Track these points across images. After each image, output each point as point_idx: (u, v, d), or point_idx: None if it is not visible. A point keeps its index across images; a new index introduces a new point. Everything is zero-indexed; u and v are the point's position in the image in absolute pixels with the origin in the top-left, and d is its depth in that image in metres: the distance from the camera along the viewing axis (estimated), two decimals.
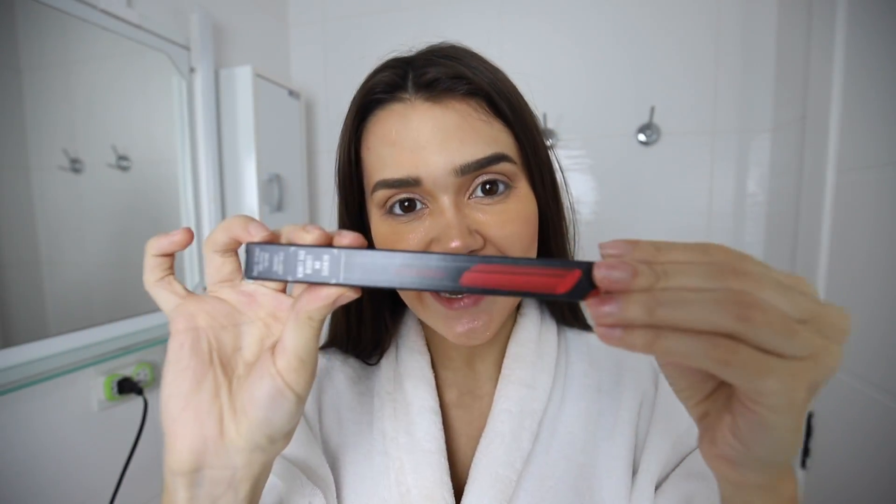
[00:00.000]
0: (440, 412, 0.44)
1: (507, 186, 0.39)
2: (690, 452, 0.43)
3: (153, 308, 1.02)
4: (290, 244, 0.26)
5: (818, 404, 0.89)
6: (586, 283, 0.22)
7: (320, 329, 0.27)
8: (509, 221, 0.39)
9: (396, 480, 0.42)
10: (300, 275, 0.25)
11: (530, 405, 0.43)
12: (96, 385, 0.89)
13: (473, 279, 0.23)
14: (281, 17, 1.48)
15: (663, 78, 1.23)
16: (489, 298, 0.39)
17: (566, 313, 0.51)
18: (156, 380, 1.01)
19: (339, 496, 0.43)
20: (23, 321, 0.80)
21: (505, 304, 0.41)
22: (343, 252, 0.25)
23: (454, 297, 0.39)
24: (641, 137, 1.24)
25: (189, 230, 0.29)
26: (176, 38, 1.06)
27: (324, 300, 0.25)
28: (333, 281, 0.25)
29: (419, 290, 0.25)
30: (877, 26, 0.77)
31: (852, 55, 0.83)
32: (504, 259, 0.24)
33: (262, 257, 0.26)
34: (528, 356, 0.46)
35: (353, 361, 0.50)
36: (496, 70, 0.41)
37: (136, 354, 0.97)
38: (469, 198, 0.39)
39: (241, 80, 1.16)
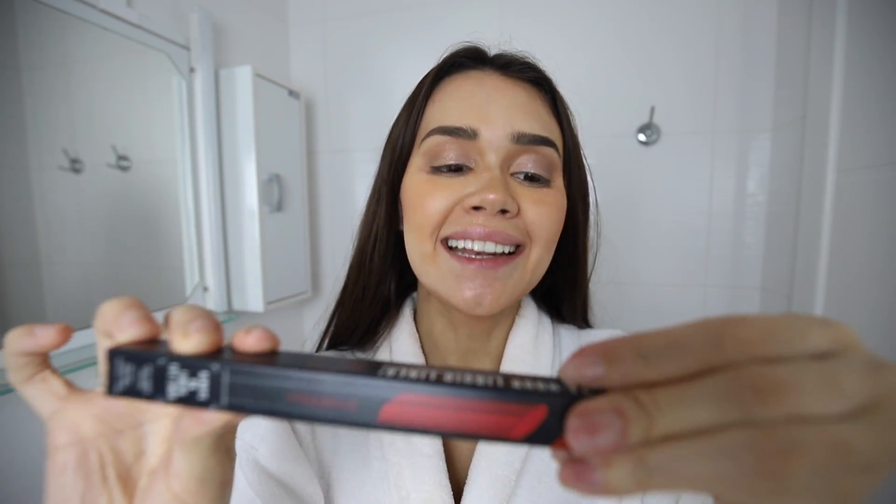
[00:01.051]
0: None
1: (547, 179, 0.41)
2: None
3: (152, 308, 1.02)
4: (164, 353, 0.20)
5: None
6: (555, 424, 0.16)
7: (219, 441, 0.23)
8: (543, 203, 0.40)
9: (396, 485, 0.41)
10: (171, 396, 0.19)
11: None
12: (96, 385, 0.89)
13: (397, 414, 0.17)
14: (281, 17, 1.48)
15: (663, 78, 1.23)
16: (507, 268, 0.39)
17: (564, 313, 0.51)
18: None
19: (336, 503, 0.43)
20: (22, 321, 0.80)
21: (521, 279, 0.41)
22: (225, 370, 0.19)
23: (471, 256, 0.39)
24: (641, 137, 1.24)
25: (65, 329, 0.24)
26: (176, 38, 1.06)
27: (208, 425, 0.20)
28: (213, 406, 0.19)
29: (325, 424, 0.19)
30: (877, 26, 0.77)
31: (852, 55, 0.83)
32: (439, 388, 0.17)
33: (124, 370, 0.20)
34: (525, 358, 0.46)
35: None
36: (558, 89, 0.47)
37: None
38: (511, 174, 0.41)
39: (241, 80, 1.16)
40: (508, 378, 0.18)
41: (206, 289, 1.16)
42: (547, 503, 0.41)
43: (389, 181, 0.45)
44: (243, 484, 0.38)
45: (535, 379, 0.18)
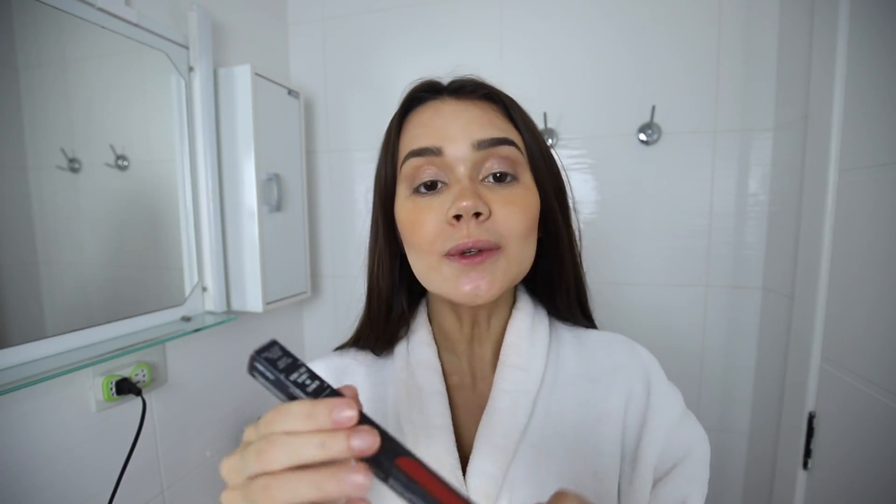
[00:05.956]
0: (447, 394, 0.50)
1: (514, 177, 0.47)
2: (686, 456, 0.48)
3: (151, 308, 1.02)
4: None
5: (819, 404, 0.89)
6: None
7: None
8: (512, 202, 0.46)
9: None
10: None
11: (524, 386, 0.49)
12: (94, 386, 0.89)
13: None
14: (280, 16, 1.47)
15: (664, 77, 1.22)
16: (491, 260, 0.45)
17: (562, 311, 0.56)
18: (154, 380, 1.01)
19: None
20: (20, 321, 0.79)
21: (508, 270, 0.46)
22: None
23: (467, 255, 0.45)
24: (642, 137, 1.24)
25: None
26: (174, 37, 1.06)
27: None
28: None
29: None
30: (879, 26, 0.77)
31: (854, 55, 0.82)
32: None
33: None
34: (522, 344, 0.52)
35: (363, 357, 0.56)
36: (512, 98, 0.51)
37: (134, 355, 0.96)
38: (482, 180, 0.46)
39: (240, 79, 1.15)
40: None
41: (205, 289, 1.16)
42: (544, 473, 0.46)
43: (383, 211, 0.51)
44: None
45: None
